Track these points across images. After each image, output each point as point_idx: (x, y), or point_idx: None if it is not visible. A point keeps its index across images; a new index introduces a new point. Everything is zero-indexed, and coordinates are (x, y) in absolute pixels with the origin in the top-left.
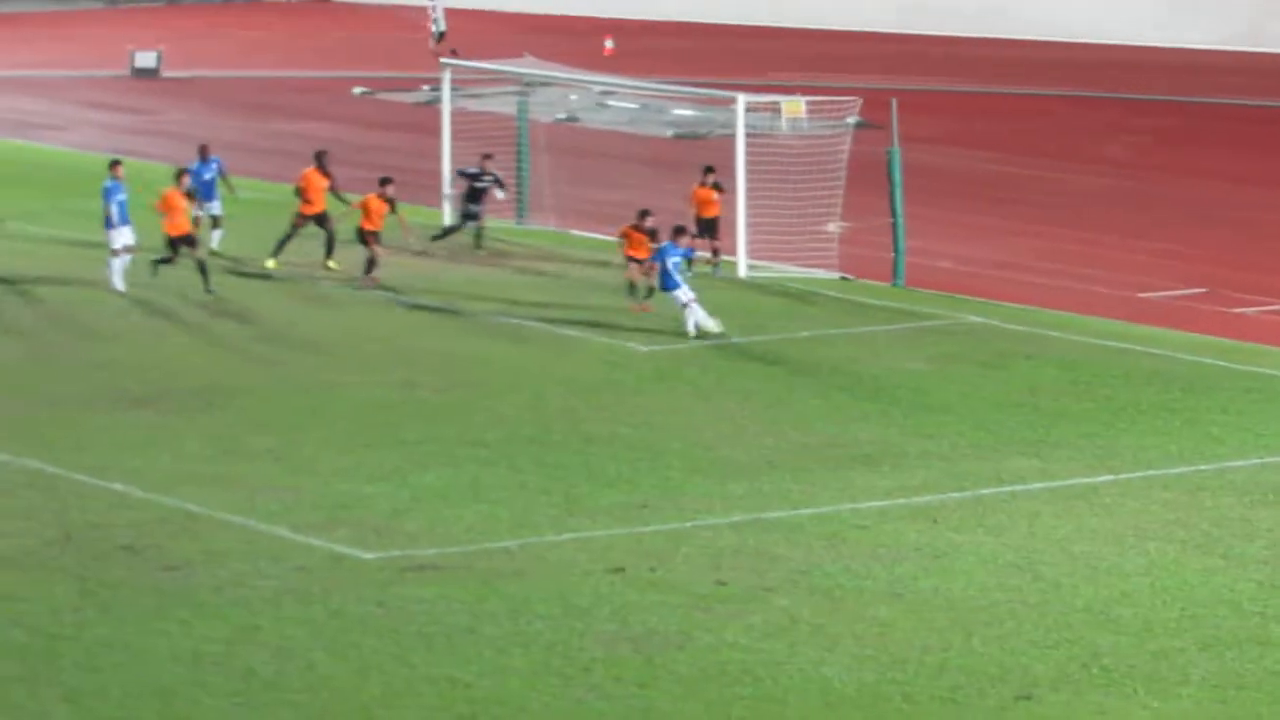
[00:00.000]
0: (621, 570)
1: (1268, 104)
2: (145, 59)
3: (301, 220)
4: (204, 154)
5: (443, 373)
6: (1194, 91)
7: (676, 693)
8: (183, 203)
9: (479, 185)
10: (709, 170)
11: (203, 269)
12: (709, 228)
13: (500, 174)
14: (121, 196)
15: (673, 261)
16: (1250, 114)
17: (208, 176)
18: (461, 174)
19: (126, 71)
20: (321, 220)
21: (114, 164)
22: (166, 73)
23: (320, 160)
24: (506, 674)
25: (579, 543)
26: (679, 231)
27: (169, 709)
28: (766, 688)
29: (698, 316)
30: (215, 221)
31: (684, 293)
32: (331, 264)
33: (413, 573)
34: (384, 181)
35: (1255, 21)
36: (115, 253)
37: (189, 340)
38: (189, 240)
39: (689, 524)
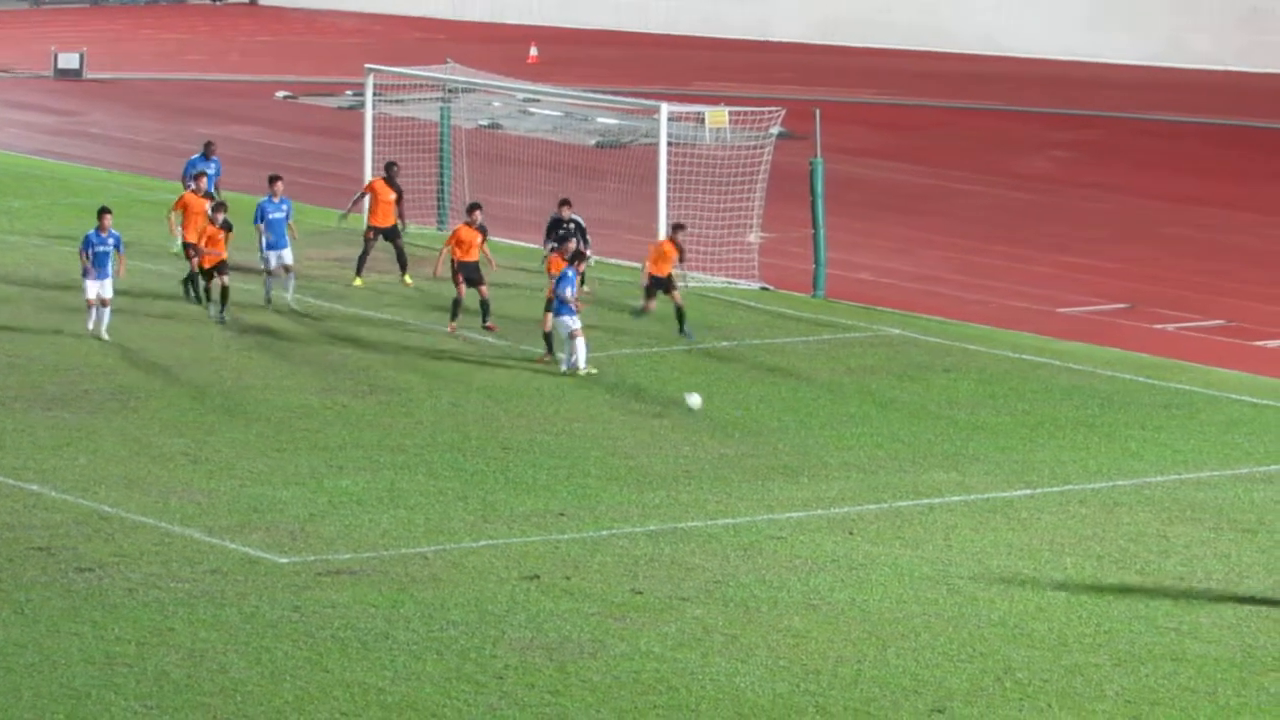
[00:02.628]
0: (537, 578)
1: (1189, 120)
2: (68, 60)
3: (372, 234)
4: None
5: (362, 379)
6: (1116, 106)
7: (589, 701)
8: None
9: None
10: (678, 227)
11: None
12: (664, 285)
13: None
14: (103, 249)
15: (570, 290)
16: (1173, 129)
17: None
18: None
19: (49, 72)
20: (391, 235)
21: (103, 212)
22: (90, 74)
23: (389, 172)
24: (420, 679)
25: (495, 549)
26: (577, 257)
27: (80, 711)
28: (680, 697)
29: (579, 353)
30: None
31: (574, 320)
32: (408, 279)
33: (328, 577)
34: (472, 208)
35: (1176, 37)
36: (89, 303)
37: (103, 341)
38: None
39: (605, 532)
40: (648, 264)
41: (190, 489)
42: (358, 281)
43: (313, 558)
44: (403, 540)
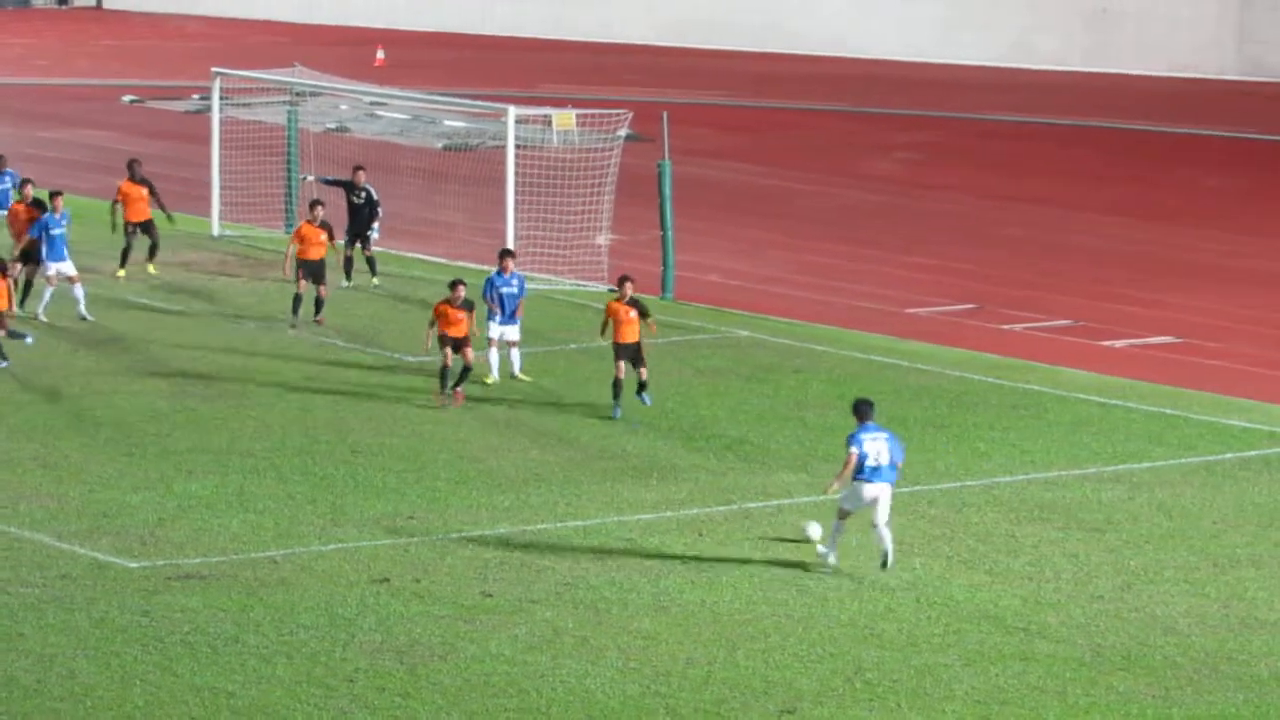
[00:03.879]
0: (387, 581)
1: (1035, 120)
2: None
3: (131, 228)
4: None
5: (209, 382)
6: (963, 108)
7: (440, 704)
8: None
9: (356, 201)
10: (624, 280)
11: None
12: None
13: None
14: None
15: (505, 291)
16: (1018, 130)
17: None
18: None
19: None
20: (147, 227)
21: (54, 195)
22: None
23: (132, 169)
24: (270, 683)
25: (345, 553)
26: (505, 255)
27: None
28: (530, 699)
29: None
30: None
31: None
32: (151, 268)
33: (177, 582)
34: (314, 205)
35: (1023, 38)
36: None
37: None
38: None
39: (455, 535)
40: (605, 330)
41: (39, 494)
42: (120, 274)
43: (162, 562)
44: (252, 544)
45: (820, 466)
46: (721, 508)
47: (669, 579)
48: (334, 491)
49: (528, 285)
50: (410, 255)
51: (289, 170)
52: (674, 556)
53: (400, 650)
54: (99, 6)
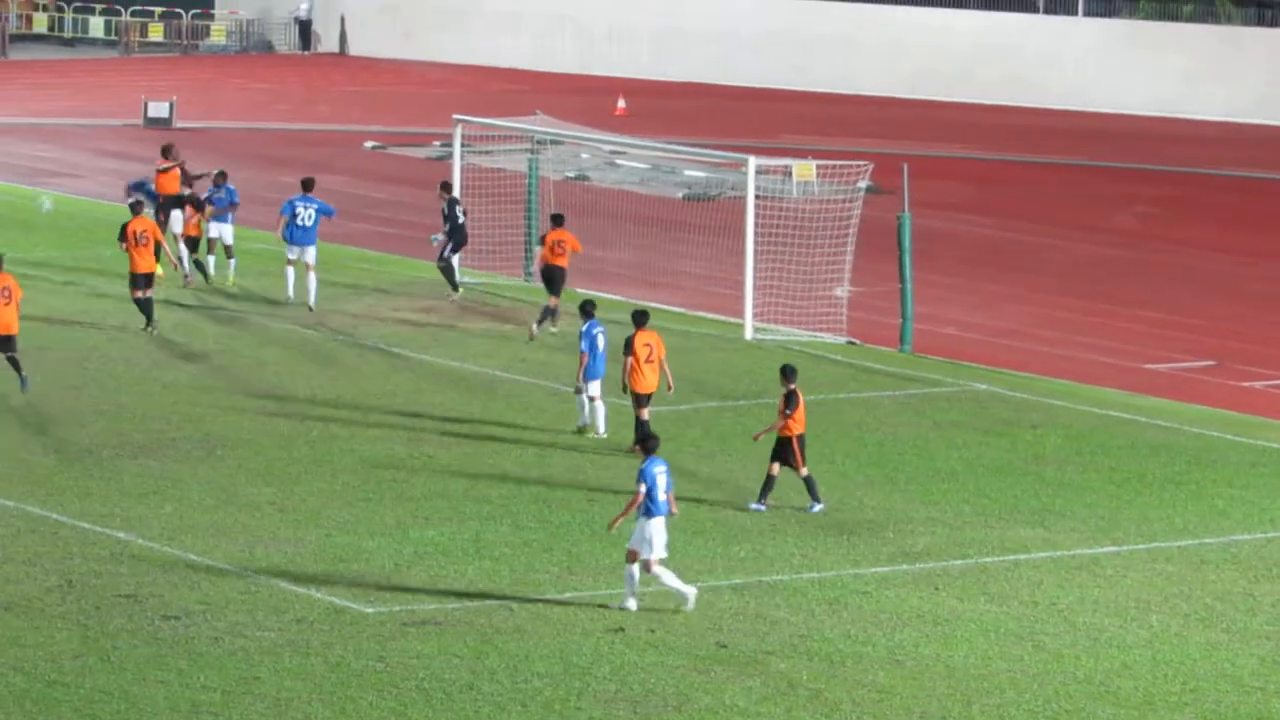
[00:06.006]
0: (621, 630)
1: (1275, 176)
2: (158, 109)
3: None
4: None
5: (447, 429)
6: (1205, 163)
7: None
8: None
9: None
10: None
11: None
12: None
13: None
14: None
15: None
16: (1260, 186)
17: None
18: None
19: (139, 121)
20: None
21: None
22: (179, 123)
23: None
24: None
25: (580, 601)
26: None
27: None
28: None
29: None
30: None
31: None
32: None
33: (413, 628)
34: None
35: (1270, 93)
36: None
37: (192, 389)
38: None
39: (690, 586)
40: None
41: (277, 538)
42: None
43: (398, 608)
44: (488, 591)
45: (1057, 522)
46: (957, 561)
47: (904, 632)
48: (570, 539)
49: (768, 337)
50: (650, 305)
51: (529, 218)
52: (909, 610)
53: (634, 700)
54: (342, 53)
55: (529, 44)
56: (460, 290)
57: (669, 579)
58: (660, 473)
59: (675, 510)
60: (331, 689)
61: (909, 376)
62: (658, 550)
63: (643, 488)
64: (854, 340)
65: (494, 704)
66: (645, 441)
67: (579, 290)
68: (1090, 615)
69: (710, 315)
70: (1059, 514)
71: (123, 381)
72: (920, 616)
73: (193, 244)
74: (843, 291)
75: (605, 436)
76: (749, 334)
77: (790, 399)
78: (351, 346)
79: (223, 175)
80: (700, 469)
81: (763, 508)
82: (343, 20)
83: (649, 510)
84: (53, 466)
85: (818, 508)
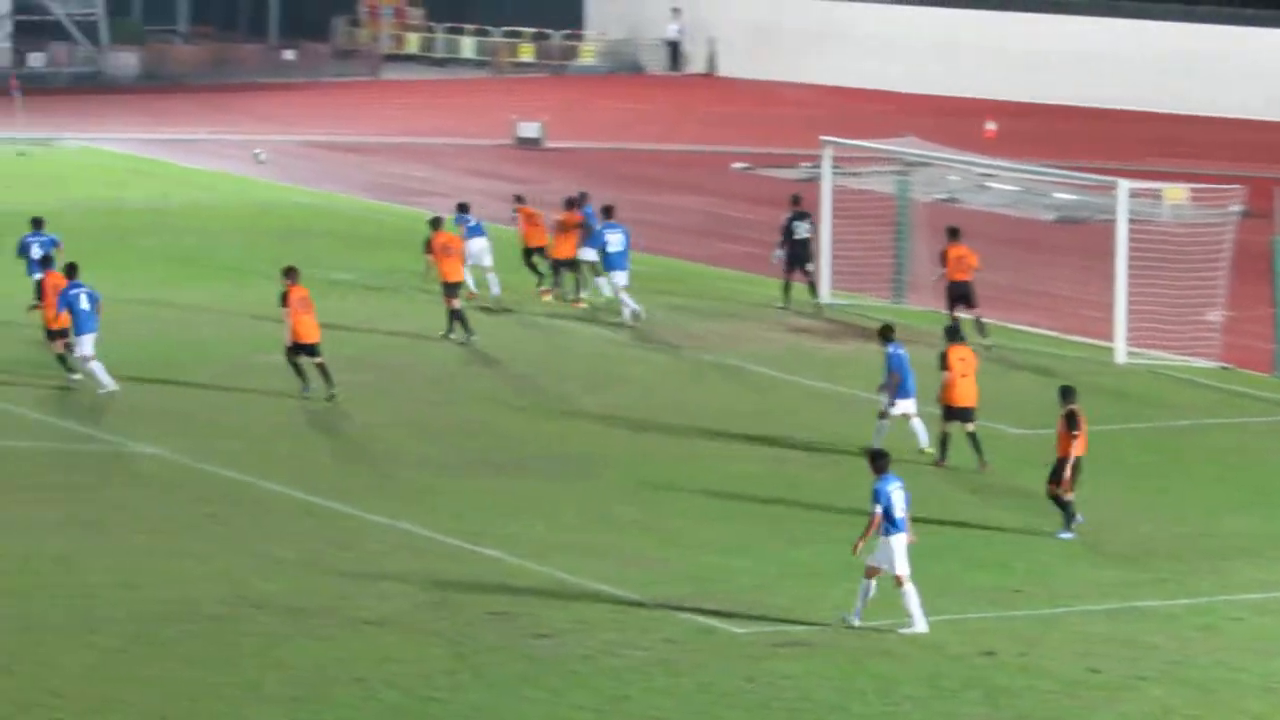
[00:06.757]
0: (992, 654)
1: None
2: (529, 129)
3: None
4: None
5: (814, 449)
6: None
7: None
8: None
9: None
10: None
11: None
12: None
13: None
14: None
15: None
16: None
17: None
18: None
19: (510, 141)
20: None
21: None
22: (549, 143)
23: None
24: None
25: (949, 624)
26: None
27: None
28: None
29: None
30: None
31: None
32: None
33: (783, 648)
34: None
35: None
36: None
37: (558, 409)
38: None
39: (1062, 610)
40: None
41: (645, 557)
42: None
43: (767, 628)
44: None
45: None
46: None
47: (1278, 661)
48: (941, 562)
49: (1139, 361)
50: (1019, 328)
51: (898, 240)
52: None
53: None
54: (711, 73)
55: (897, 66)
56: (818, 305)
57: (913, 601)
58: (895, 490)
59: (914, 538)
60: (701, 709)
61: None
62: (900, 567)
63: (878, 508)
64: (1227, 365)
65: None
66: (876, 459)
67: (942, 312)
68: None
69: (1080, 339)
70: None
71: (484, 400)
72: None
73: (570, 264)
74: (1216, 316)
75: (930, 450)
76: (1120, 357)
77: (1070, 419)
78: (718, 366)
79: (584, 196)
80: (1078, 494)
81: (1071, 535)
82: (711, 42)
83: (887, 529)
84: (424, 484)
85: (1067, 535)
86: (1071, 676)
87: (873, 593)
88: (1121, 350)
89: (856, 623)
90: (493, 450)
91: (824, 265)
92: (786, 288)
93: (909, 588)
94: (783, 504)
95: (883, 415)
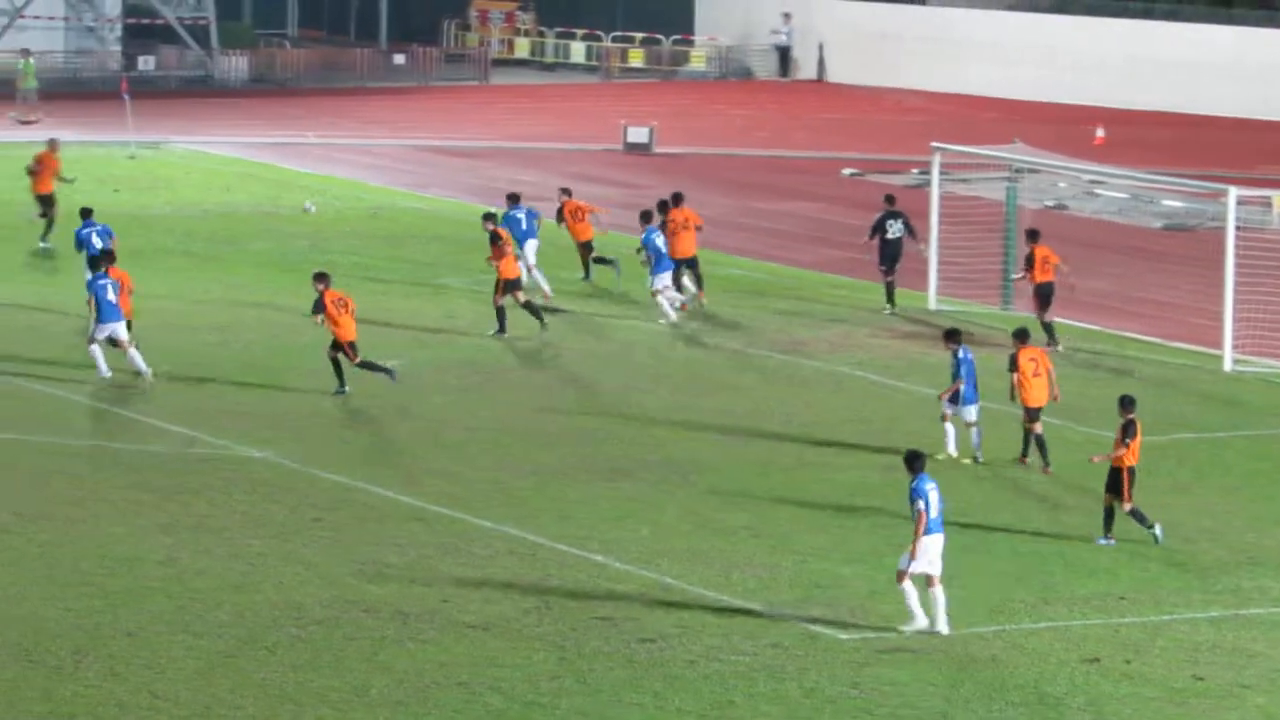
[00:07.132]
0: (1097, 661)
1: None
2: (638, 134)
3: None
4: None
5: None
6: None
7: None
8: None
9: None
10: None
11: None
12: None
13: None
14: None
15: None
16: None
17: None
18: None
19: (619, 146)
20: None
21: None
22: (659, 148)
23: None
24: None
25: (1055, 631)
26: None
27: None
28: None
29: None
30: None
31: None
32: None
33: (888, 655)
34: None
35: None
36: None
37: (664, 413)
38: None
39: (1167, 617)
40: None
41: (751, 563)
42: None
43: (873, 635)
44: (962, 620)
45: None
46: None
47: None
48: (1044, 570)
49: (1248, 369)
50: (1125, 335)
51: (1006, 247)
52: None
53: None
54: (820, 79)
55: (1006, 72)
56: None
57: (940, 603)
58: (931, 490)
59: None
60: (806, 714)
61: None
62: (935, 568)
63: (921, 504)
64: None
65: None
66: (913, 460)
67: (1059, 320)
68: None
69: (1188, 346)
70: None
71: (591, 405)
72: None
73: (690, 264)
74: None
75: (982, 461)
76: (1228, 365)
77: (1128, 429)
78: (826, 373)
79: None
80: (1175, 501)
81: (1111, 542)
82: (821, 47)
83: (926, 528)
84: (530, 488)
85: (1159, 529)
86: (1176, 684)
87: (916, 593)
88: (1229, 357)
89: (924, 624)
90: (598, 455)
91: (931, 271)
92: (889, 290)
93: (939, 589)
94: (892, 513)
95: (945, 418)
